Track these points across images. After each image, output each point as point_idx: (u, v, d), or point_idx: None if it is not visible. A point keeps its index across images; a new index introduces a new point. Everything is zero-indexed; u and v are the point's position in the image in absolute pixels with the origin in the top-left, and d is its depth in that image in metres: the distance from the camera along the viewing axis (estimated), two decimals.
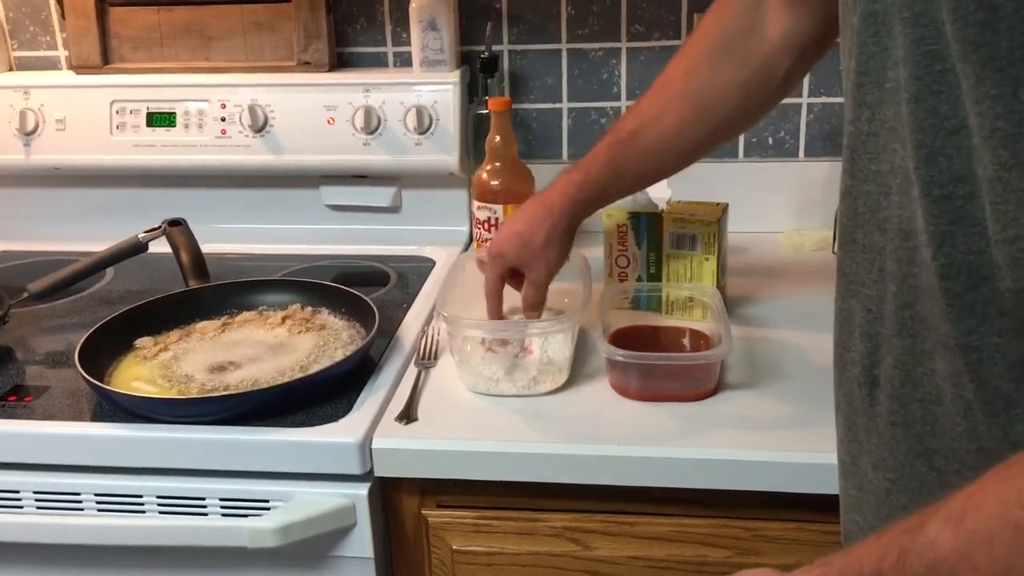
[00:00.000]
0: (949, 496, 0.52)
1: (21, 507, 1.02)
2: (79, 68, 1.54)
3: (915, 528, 0.52)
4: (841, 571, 0.56)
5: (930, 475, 0.63)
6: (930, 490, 0.61)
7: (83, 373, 1.04)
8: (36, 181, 1.56)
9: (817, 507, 0.94)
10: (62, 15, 1.54)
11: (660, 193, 1.27)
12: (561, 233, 1.07)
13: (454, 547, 1.02)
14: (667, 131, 1.03)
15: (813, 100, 1.47)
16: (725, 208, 1.22)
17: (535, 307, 1.09)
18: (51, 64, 1.59)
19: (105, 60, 1.54)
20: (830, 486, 0.91)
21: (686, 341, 1.13)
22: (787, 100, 1.46)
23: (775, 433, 0.97)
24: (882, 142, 0.63)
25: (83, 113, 1.50)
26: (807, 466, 0.92)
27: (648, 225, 1.23)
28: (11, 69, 1.59)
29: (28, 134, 1.50)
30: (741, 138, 1.50)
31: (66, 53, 1.57)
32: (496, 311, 1.10)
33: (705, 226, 1.19)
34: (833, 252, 1.39)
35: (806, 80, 1.46)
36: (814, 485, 0.93)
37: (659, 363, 1.03)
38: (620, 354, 1.02)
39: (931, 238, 0.58)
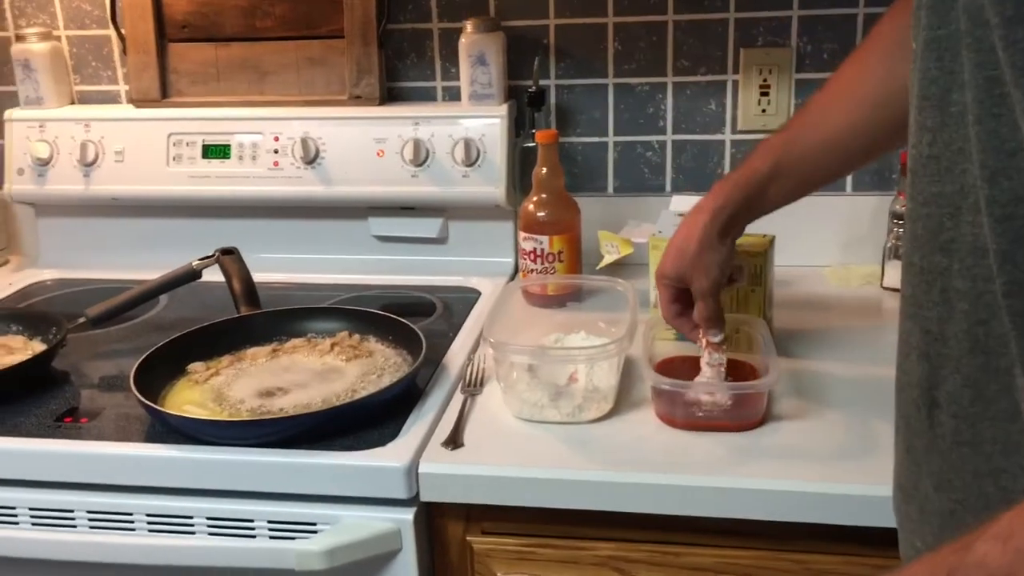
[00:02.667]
0: (998, 515, 0.52)
1: (75, 526, 1.04)
2: (138, 102, 1.59)
3: (964, 547, 0.52)
4: None
5: (997, 495, 0.63)
6: (997, 510, 0.61)
7: (138, 395, 1.06)
8: (95, 211, 1.61)
9: (867, 540, 0.93)
10: (123, 51, 1.59)
11: None
12: (715, 237, 1.02)
13: (499, 574, 1.02)
14: (836, 129, 0.97)
15: None
16: (772, 240, 1.22)
17: (709, 322, 1.05)
18: (112, 98, 1.65)
19: (163, 94, 1.58)
20: (880, 519, 0.91)
21: (732, 372, 1.12)
22: None
23: (824, 464, 0.96)
24: (945, 164, 0.63)
25: (141, 145, 1.55)
26: (856, 498, 0.91)
27: None
28: (73, 102, 1.65)
29: (88, 165, 1.55)
30: None
31: (126, 87, 1.62)
32: (691, 332, 1.08)
33: (752, 257, 1.19)
34: (881, 287, 1.39)
35: None
36: (864, 518, 0.91)
37: (714, 392, 1.03)
38: (667, 383, 1.02)
39: (995, 256, 0.59)
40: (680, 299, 1.08)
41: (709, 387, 1.04)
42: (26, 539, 1.04)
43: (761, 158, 1.02)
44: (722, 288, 1.07)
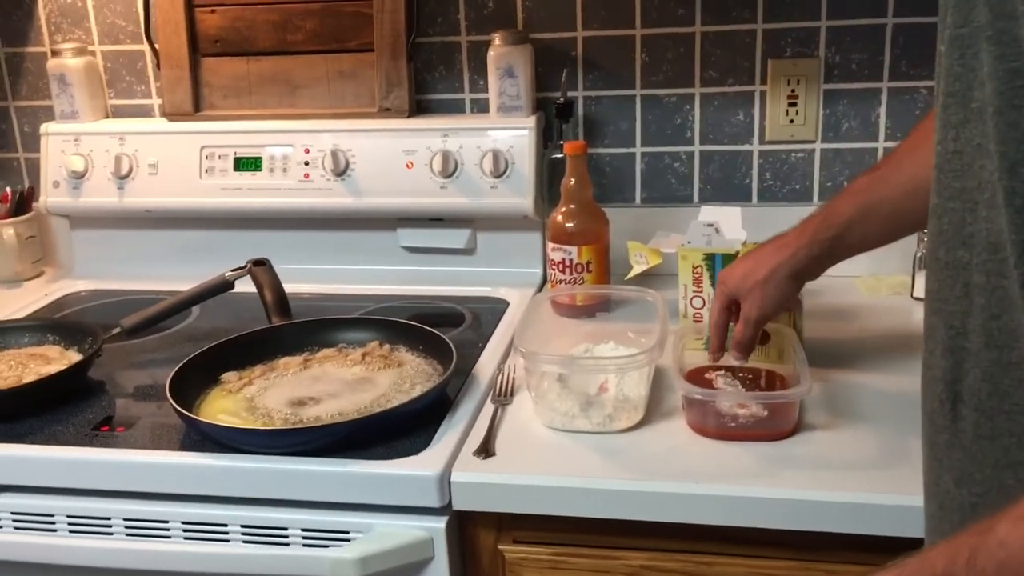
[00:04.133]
0: (1018, 500, 0.52)
1: (111, 534, 1.06)
2: (171, 115, 1.61)
3: (985, 529, 0.53)
4: (914, 572, 0.56)
5: (1017, 487, 0.63)
6: (1018, 503, 0.61)
7: (173, 404, 1.07)
8: (129, 223, 1.63)
9: (899, 551, 0.92)
10: (157, 65, 1.62)
11: (735, 234, 1.27)
12: (786, 273, 1.03)
13: None
14: (920, 172, 0.93)
15: (890, 144, 1.47)
16: None
17: (739, 346, 1.06)
18: (145, 112, 1.67)
19: (196, 108, 1.61)
20: (911, 529, 0.90)
21: (762, 382, 1.12)
22: (863, 144, 1.48)
23: (855, 474, 0.95)
24: (967, 160, 0.64)
25: (174, 158, 1.57)
26: (888, 508, 0.91)
27: (724, 266, 1.23)
28: (108, 116, 1.67)
29: (122, 178, 1.58)
30: (816, 181, 1.50)
31: (159, 101, 1.65)
32: (718, 344, 1.09)
33: None
34: (912, 297, 1.38)
35: (882, 124, 1.46)
36: (896, 528, 0.91)
37: (749, 404, 1.03)
38: (699, 392, 1.02)
39: (1014, 247, 0.59)
40: (731, 309, 1.09)
41: (740, 397, 1.04)
42: (64, 546, 1.06)
43: (846, 200, 1.01)
44: (769, 320, 1.07)
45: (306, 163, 1.53)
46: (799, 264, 1.03)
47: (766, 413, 1.02)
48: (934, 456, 0.71)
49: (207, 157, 1.56)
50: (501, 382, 1.17)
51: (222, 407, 1.14)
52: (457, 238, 1.55)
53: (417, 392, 1.12)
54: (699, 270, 1.25)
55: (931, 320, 0.70)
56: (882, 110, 1.46)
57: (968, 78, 0.63)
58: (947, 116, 0.66)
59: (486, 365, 1.24)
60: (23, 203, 1.67)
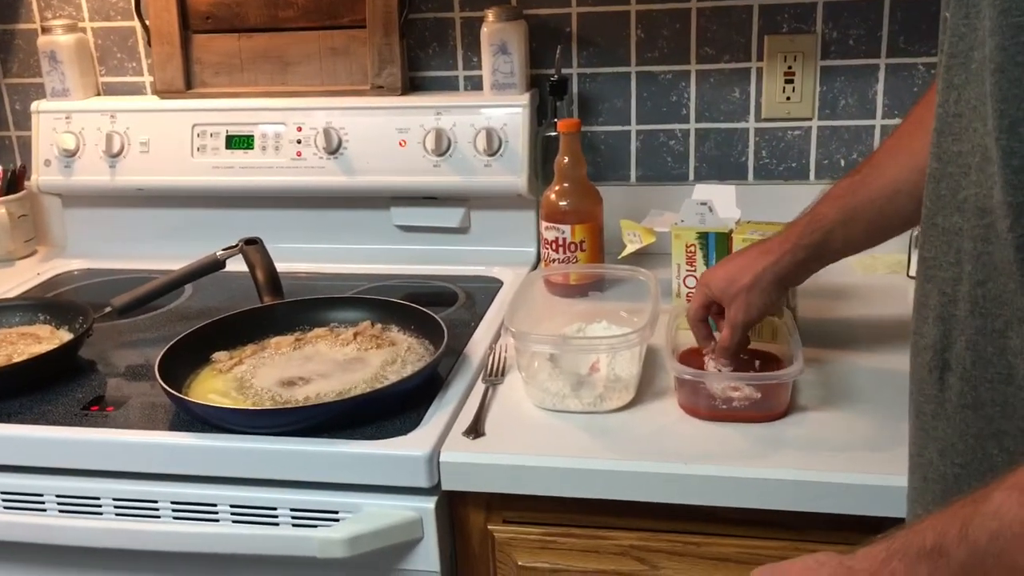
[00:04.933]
0: (1015, 468, 0.51)
1: (101, 513, 1.06)
2: (163, 93, 1.60)
3: (979, 499, 0.52)
4: (904, 545, 0.55)
5: (1000, 457, 0.62)
6: (1000, 474, 0.60)
7: (163, 384, 1.07)
8: (120, 201, 1.62)
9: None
10: (148, 42, 1.60)
11: (729, 213, 1.26)
12: (770, 279, 1.02)
13: (520, 563, 1.02)
14: (901, 174, 0.94)
15: (887, 122, 1.45)
16: None
17: (724, 352, 1.05)
18: (136, 89, 1.66)
19: (188, 85, 1.59)
20: (903, 509, 0.90)
21: (756, 362, 1.11)
22: (860, 121, 1.46)
23: (848, 455, 0.95)
24: (965, 122, 0.63)
25: (166, 136, 1.56)
26: (881, 488, 0.91)
27: (717, 245, 1.22)
28: (99, 94, 1.66)
29: (114, 156, 1.56)
30: (812, 159, 1.49)
31: (151, 78, 1.64)
32: (702, 340, 1.09)
33: None
34: (908, 276, 1.37)
35: (879, 102, 1.45)
36: (888, 508, 0.90)
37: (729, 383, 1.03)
38: (689, 373, 1.02)
39: (1010, 209, 0.58)
40: (711, 308, 1.08)
41: (732, 379, 1.03)
42: (53, 526, 1.06)
43: (827, 204, 1.00)
44: (754, 325, 1.06)
45: (298, 141, 1.52)
46: (783, 270, 1.02)
47: (759, 395, 1.01)
48: (920, 426, 0.71)
49: (199, 135, 1.55)
50: (493, 362, 1.17)
51: (212, 387, 1.14)
52: (451, 217, 1.54)
53: (408, 372, 1.12)
54: (692, 249, 1.24)
55: (924, 288, 0.69)
56: (880, 87, 1.44)
57: (971, 38, 0.62)
58: (949, 78, 0.65)
59: (478, 345, 1.23)
60: (15, 181, 1.66)
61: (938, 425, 0.67)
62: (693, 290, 1.25)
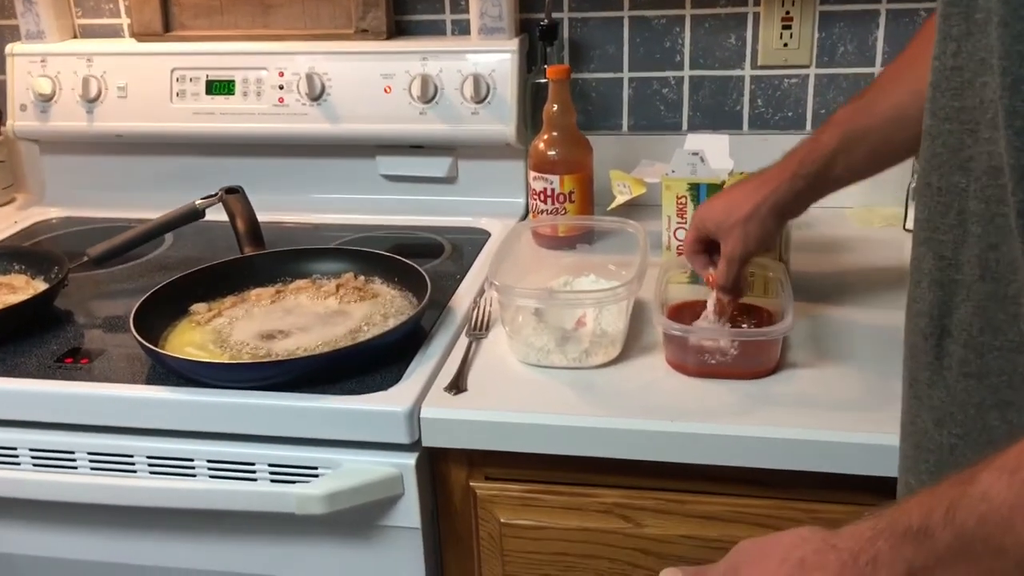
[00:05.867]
0: (1003, 448, 0.49)
1: (76, 467, 1.04)
2: (140, 36, 1.55)
3: (967, 479, 0.50)
4: (890, 524, 0.54)
5: (1001, 428, 0.60)
6: (999, 445, 0.58)
7: (137, 336, 1.04)
8: (98, 148, 1.58)
9: (880, 489, 0.90)
10: None
11: (722, 164, 1.23)
12: (768, 210, 0.99)
13: (502, 520, 1.00)
14: (905, 98, 0.90)
15: None
16: None
17: (724, 288, 1.02)
18: (114, 32, 1.61)
19: (166, 28, 1.54)
20: (894, 468, 0.88)
21: (746, 317, 1.09)
22: (858, 70, 1.42)
23: (837, 413, 0.93)
24: (967, 76, 0.59)
25: (144, 81, 1.52)
26: (870, 447, 0.89)
27: (709, 196, 1.19)
28: (75, 36, 1.61)
29: (91, 101, 1.52)
30: (809, 108, 1.45)
31: (128, 21, 1.58)
32: (701, 269, 1.06)
33: None
34: (904, 229, 1.35)
35: (879, 49, 1.41)
36: (877, 467, 0.89)
37: (718, 339, 1.00)
38: (677, 328, 0.99)
39: (1011, 172, 0.55)
40: (706, 244, 1.05)
41: (716, 333, 1.01)
42: (27, 480, 1.04)
43: (828, 131, 0.96)
44: (752, 258, 1.03)
45: (280, 87, 1.47)
46: (782, 199, 0.99)
47: (736, 351, 0.98)
48: (914, 394, 0.68)
49: (178, 80, 1.51)
50: (477, 315, 1.14)
51: (190, 339, 1.11)
52: (438, 166, 1.50)
53: (390, 325, 1.09)
54: (683, 200, 1.21)
55: (919, 251, 0.66)
56: (880, 33, 1.40)
57: None
58: (947, 28, 0.61)
59: (463, 298, 1.20)
60: None
61: (934, 394, 0.65)
62: (692, 221, 1.22)
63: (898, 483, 0.74)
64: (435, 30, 1.51)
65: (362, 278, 1.23)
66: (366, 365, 1.03)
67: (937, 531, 0.51)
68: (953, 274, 0.62)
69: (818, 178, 0.98)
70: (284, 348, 1.07)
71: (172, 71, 1.51)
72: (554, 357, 1.03)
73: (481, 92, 1.41)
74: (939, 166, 0.63)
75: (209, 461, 1.01)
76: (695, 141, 1.26)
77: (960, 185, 0.61)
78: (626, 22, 1.46)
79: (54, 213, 1.58)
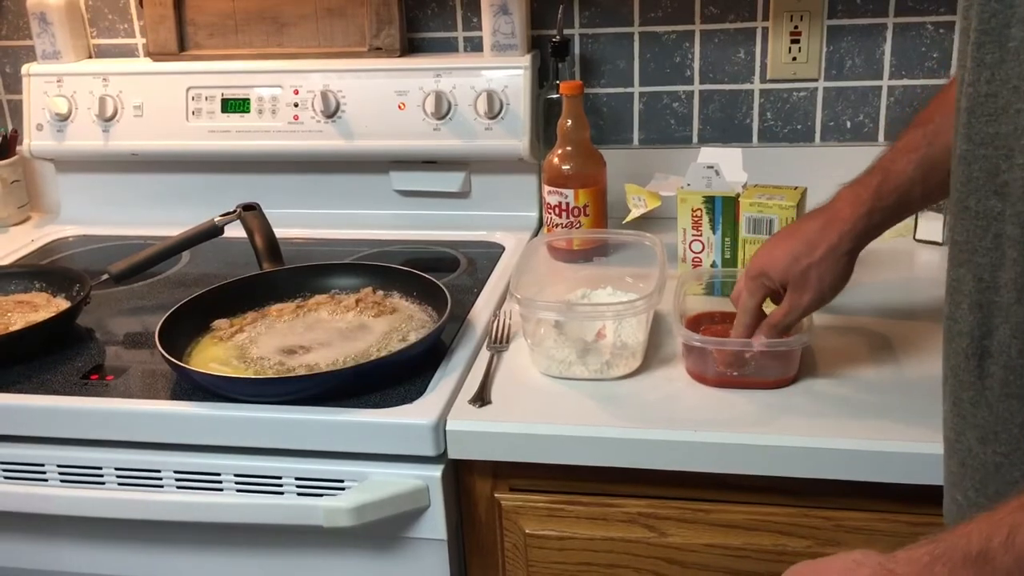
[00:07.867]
0: None
1: (103, 483, 1.05)
2: (156, 55, 1.56)
3: None
4: (948, 549, 0.54)
5: None
6: None
7: (164, 353, 1.05)
8: (114, 166, 1.59)
9: (901, 497, 0.92)
10: (140, 3, 1.56)
11: (736, 177, 1.24)
12: (846, 251, 0.93)
13: (527, 531, 1.01)
14: None
15: (894, 83, 1.43)
16: (804, 192, 1.20)
17: (775, 330, 0.96)
18: (129, 51, 1.62)
19: (181, 47, 1.56)
20: (914, 476, 0.89)
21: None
22: (867, 82, 1.44)
23: (857, 421, 0.94)
24: (1002, 103, 0.61)
25: (160, 99, 1.53)
26: (890, 455, 0.90)
27: (724, 209, 1.21)
28: (91, 56, 1.63)
29: (107, 120, 1.54)
30: (818, 121, 1.47)
31: (143, 40, 1.60)
32: (751, 324, 0.99)
33: (783, 210, 1.16)
34: (914, 239, 1.36)
35: (887, 62, 1.42)
36: (897, 474, 0.90)
37: (738, 350, 1.01)
38: (697, 339, 1.01)
39: None
40: (763, 298, 0.99)
41: (739, 345, 1.02)
42: (55, 496, 1.05)
43: (903, 158, 0.92)
44: (826, 304, 0.97)
45: (295, 104, 1.49)
46: (860, 236, 0.94)
47: (768, 362, 1.00)
48: (958, 412, 0.69)
49: (193, 98, 1.52)
50: (497, 328, 1.15)
51: (213, 355, 1.12)
52: (451, 181, 1.51)
53: (412, 339, 1.11)
54: (699, 213, 1.22)
55: (957, 272, 0.68)
56: (887, 47, 1.42)
57: (1006, 15, 0.60)
58: (981, 56, 0.63)
59: (481, 311, 1.22)
60: (7, 146, 1.63)
61: (978, 412, 0.66)
62: (700, 255, 1.23)
63: (944, 498, 0.75)
64: (448, 47, 1.53)
65: (381, 293, 1.24)
66: (389, 379, 1.04)
67: (998, 556, 0.51)
68: (992, 296, 0.64)
69: (897, 209, 0.94)
70: (306, 363, 1.08)
71: (188, 90, 1.52)
72: (576, 369, 1.04)
73: (494, 108, 1.43)
74: (975, 190, 0.64)
75: (236, 475, 1.02)
76: (709, 154, 1.27)
77: (996, 209, 0.63)
78: (636, 38, 1.48)
79: (70, 231, 1.59)
